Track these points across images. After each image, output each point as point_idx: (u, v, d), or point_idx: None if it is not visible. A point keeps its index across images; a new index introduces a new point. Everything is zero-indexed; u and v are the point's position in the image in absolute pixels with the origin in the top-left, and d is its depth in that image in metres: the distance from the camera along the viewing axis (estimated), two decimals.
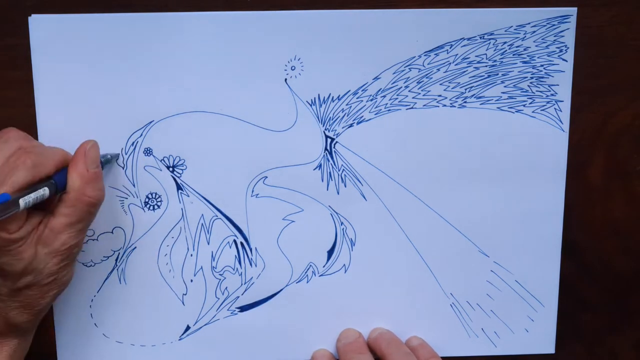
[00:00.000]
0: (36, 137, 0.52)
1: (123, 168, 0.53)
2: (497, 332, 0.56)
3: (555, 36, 0.52)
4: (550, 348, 0.56)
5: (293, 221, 0.54)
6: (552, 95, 0.53)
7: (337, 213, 0.54)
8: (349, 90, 0.52)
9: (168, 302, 0.55)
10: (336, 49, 0.51)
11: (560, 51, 0.52)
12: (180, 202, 0.53)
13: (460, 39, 0.52)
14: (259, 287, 0.55)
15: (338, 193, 0.54)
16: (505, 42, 0.52)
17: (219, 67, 0.51)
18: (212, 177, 0.53)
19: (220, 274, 0.54)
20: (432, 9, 0.51)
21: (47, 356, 0.55)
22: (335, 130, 0.53)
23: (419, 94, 0.53)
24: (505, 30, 0.52)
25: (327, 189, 0.54)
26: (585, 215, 0.55)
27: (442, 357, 0.56)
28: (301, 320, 0.55)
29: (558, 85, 0.53)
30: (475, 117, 0.53)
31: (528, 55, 0.52)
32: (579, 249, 0.56)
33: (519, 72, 0.53)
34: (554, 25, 0.52)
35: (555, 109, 0.53)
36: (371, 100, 0.53)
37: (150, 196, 0.53)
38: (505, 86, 0.53)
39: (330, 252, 0.54)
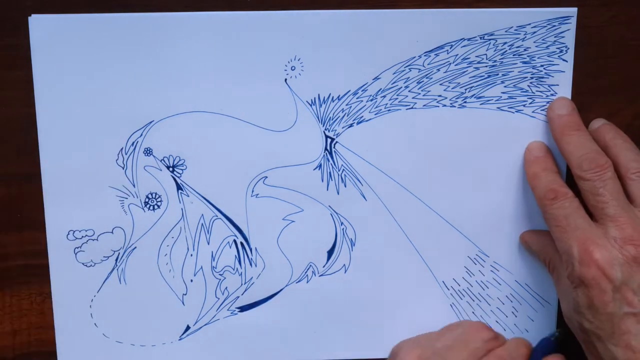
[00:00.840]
0: (36, 137, 0.52)
1: (123, 168, 0.53)
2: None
3: (555, 37, 0.52)
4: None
5: (293, 221, 0.54)
6: (552, 95, 0.53)
7: (337, 213, 0.54)
8: (349, 90, 0.52)
9: (168, 302, 0.55)
10: (336, 49, 0.52)
11: (561, 51, 0.52)
12: (180, 202, 0.53)
13: (461, 39, 0.52)
14: (259, 287, 0.55)
15: (338, 193, 0.54)
16: (505, 43, 0.52)
17: (219, 67, 0.51)
18: (212, 177, 0.53)
19: (220, 274, 0.54)
20: (432, 9, 0.51)
21: (47, 356, 0.55)
22: (335, 130, 0.53)
23: (419, 94, 0.53)
24: (506, 31, 0.52)
25: (327, 189, 0.54)
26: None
27: None
28: (301, 320, 0.55)
29: (558, 85, 0.53)
30: (475, 117, 0.53)
31: (528, 56, 0.52)
32: None
33: (519, 72, 0.53)
34: (554, 25, 0.52)
35: None
36: (371, 100, 0.53)
37: (150, 196, 0.53)
38: (505, 86, 0.53)
39: (330, 252, 0.54)
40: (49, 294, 0.54)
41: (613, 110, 0.54)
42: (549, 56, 0.52)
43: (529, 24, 0.52)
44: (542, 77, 0.53)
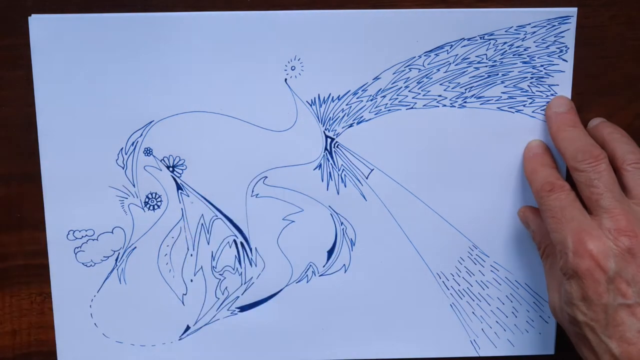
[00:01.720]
0: (36, 137, 0.52)
1: (123, 168, 0.53)
2: (497, 332, 0.56)
3: (555, 37, 0.52)
4: (550, 349, 0.56)
5: (293, 221, 0.54)
6: (552, 95, 0.53)
7: (337, 213, 0.54)
8: (349, 90, 0.52)
9: (168, 302, 0.55)
10: (336, 49, 0.52)
11: (561, 51, 0.52)
12: (180, 202, 0.53)
13: (461, 39, 0.52)
14: (259, 287, 0.55)
15: (338, 193, 0.54)
16: (505, 43, 0.52)
17: (219, 67, 0.51)
18: (212, 177, 0.53)
19: (220, 274, 0.54)
20: (432, 9, 0.51)
21: (47, 356, 0.55)
22: (335, 130, 0.53)
23: (419, 94, 0.53)
24: (506, 31, 0.52)
25: (327, 189, 0.54)
26: None
27: (442, 358, 0.56)
28: (301, 320, 0.55)
29: (558, 85, 0.53)
30: (475, 117, 0.53)
31: (528, 56, 0.52)
32: None
33: (519, 72, 0.53)
34: (554, 25, 0.52)
35: None
36: (371, 100, 0.53)
37: (150, 196, 0.53)
38: (505, 86, 0.53)
39: (330, 252, 0.54)
40: (49, 294, 0.54)
41: (613, 110, 0.54)
42: (549, 56, 0.52)
43: (529, 24, 0.52)
44: (542, 77, 0.53)
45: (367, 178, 0.54)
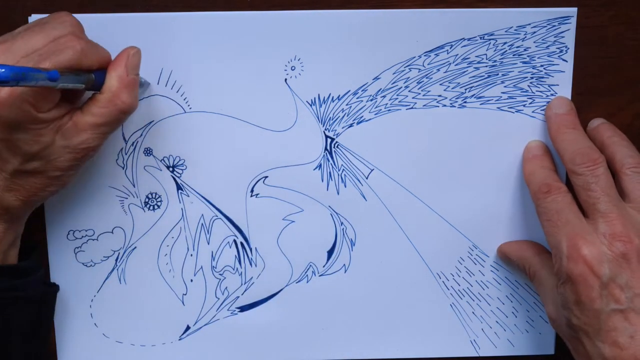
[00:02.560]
0: None
1: (123, 168, 0.53)
2: (497, 332, 0.56)
3: (555, 37, 0.52)
4: (550, 349, 0.56)
5: (293, 221, 0.54)
6: (552, 95, 0.53)
7: (337, 213, 0.54)
8: (349, 90, 0.52)
9: (168, 302, 0.55)
10: (336, 49, 0.52)
11: (561, 51, 0.52)
12: (180, 202, 0.53)
13: (461, 39, 0.52)
14: (259, 287, 0.55)
15: (338, 193, 0.54)
16: (505, 43, 0.52)
17: (218, 67, 0.51)
18: (212, 177, 0.53)
19: (220, 274, 0.54)
20: (432, 9, 0.51)
21: (47, 356, 0.55)
22: (335, 130, 0.53)
23: (419, 94, 0.53)
24: (506, 31, 0.52)
25: (327, 189, 0.54)
26: None
27: (442, 358, 0.56)
28: (301, 320, 0.55)
29: (558, 85, 0.53)
30: (475, 117, 0.53)
31: (528, 56, 0.52)
32: None
33: (519, 72, 0.53)
34: (554, 26, 0.52)
35: None
36: (371, 100, 0.53)
37: (150, 196, 0.53)
38: (505, 86, 0.53)
39: (330, 252, 0.54)
40: None
41: (613, 110, 0.54)
42: (549, 56, 0.52)
43: (529, 24, 0.52)
44: (542, 77, 0.53)
45: (367, 178, 0.54)
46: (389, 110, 0.53)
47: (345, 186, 0.54)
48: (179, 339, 0.55)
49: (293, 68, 0.52)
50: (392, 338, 0.56)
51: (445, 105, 0.53)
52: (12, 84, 0.38)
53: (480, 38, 0.52)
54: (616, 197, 0.48)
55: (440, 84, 0.53)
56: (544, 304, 0.51)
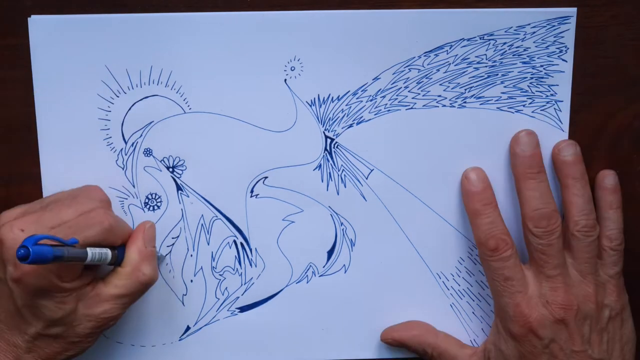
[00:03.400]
0: (36, 137, 0.52)
1: (123, 169, 0.53)
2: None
3: (555, 37, 0.52)
4: None
5: (293, 222, 0.54)
6: (551, 95, 0.53)
7: (337, 213, 0.54)
8: (349, 91, 0.52)
9: (168, 302, 0.55)
10: (336, 49, 0.52)
11: (560, 51, 0.52)
12: (180, 202, 0.53)
13: (460, 39, 0.52)
14: (259, 288, 0.55)
15: (338, 193, 0.54)
16: (505, 43, 0.52)
17: (218, 67, 0.51)
18: (212, 177, 0.53)
19: (220, 274, 0.54)
20: (432, 9, 0.51)
21: None
22: (335, 130, 0.53)
23: (419, 94, 0.53)
24: (505, 31, 0.52)
25: (327, 190, 0.54)
26: None
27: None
28: (301, 320, 0.55)
29: (558, 85, 0.53)
30: (475, 117, 0.53)
31: (528, 56, 0.52)
32: None
33: (518, 72, 0.53)
34: (554, 26, 0.52)
35: (555, 109, 0.53)
36: (371, 100, 0.53)
37: (150, 197, 0.53)
38: (505, 86, 0.53)
39: (330, 253, 0.54)
40: None
41: (613, 110, 0.54)
42: (548, 56, 0.52)
43: (529, 24, 0.52)
44: (542, 77, 0.53)
45: (367, 178, 0.54)
46: (389, 110, 0.53)
47: (345, 186, 0.54)
48: (179, 340, 0.55)
49: (293, 68, 0.52)
50: None
51: (445, 106, 0.53)
52: (46, 262, 0.41)
53: (480, 38, 0.52)
54: (563, 261, 0.51)
55: (440, 84, 0.53)
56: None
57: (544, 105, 0.53)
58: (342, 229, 0.54)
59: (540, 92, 0.53)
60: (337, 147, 0.53)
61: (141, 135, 0.52)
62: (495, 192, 0.53)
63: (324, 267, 0.55)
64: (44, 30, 0.50)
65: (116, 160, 0.53)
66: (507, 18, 0.52)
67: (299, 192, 0.54)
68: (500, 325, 0.52)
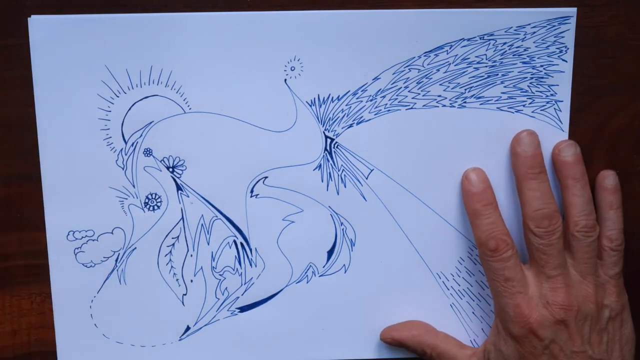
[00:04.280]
0: (36, 137, 0.52)
1: (123, 169, 0.53)
2: None
3: (555, 37, 0.52)
4: None
5: (293, 221, 0.54)
6: (551, 95, 0.53)
7: (337, 213, 0.54)
8: (349, 91, 0.52)
9: (168, 302, 0.55)
10: (336, 49, 0.52)
11: (560, 52, 0.52)
12: (180, 202, 0.53)
13: (460, 39, 0.52)
14: (259, 288, 0.55)
15: (338, 193, 0.54)
16: (505, 43, 0.52)
17: (218, 67, 0.51)
18: (212, 177, 0.53)
19: (220, 274, 0.54)
20: (432, 9, 0.51)
21: (47, 356, 0.55)
22: (335, 130, 0.53)
23: (419, 94, 0.53)
24: (505, 31, 0.52)
25: (327, 190, 0.54)
26: None
27: None
28: (301, 320, 0.55)
29: (558, 85, 0.53)
30: (475, 117, 0.53)
31: (528, 56, 0.52)
32: None
33: (518, 72, 0.53)
34: (554, 26, 0.52)
35: (555, 109, 0.53)
36: (371, 100, 0.53)
37: (150, 197, 0.53)
38: (505, 86, 0.53)
39: (330, 253, 0.54)
40: (49, 294, 0.54)
41: (613, 110, 0.54)
42: (548, 56, 0.52)
43: (529, 24, 0.52)
44: (542, 78, 0.53)
45: (367, 178, 0.54)
46: (389, 110, 0.53)
47: (345, 186, 0.54)
48: (179, 340, 0.55)
49: (293, 68, 0.52)
50: None
51: (445, 106, 0.53)
52: None
53: (480, 38, 0.52)
54: (564, 260, 0.51)
55: (440, 84, 0.53)
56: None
57: (544, 105, 0.53)
58: (342, 229, 0.54)
59: (540, 92, 0.53)
60: (337, 147, 0.53)
61: (141, 135, 0.52)
62: (496, 193, 0.53)
63: (324, 267, 0.55)
64: (44, 30, 0.50)
65: (116, 160, 0.53)
66: (507, 18, 0.52)
67: (299, 192, 0.54)
68: (500, 325, 0.52)
